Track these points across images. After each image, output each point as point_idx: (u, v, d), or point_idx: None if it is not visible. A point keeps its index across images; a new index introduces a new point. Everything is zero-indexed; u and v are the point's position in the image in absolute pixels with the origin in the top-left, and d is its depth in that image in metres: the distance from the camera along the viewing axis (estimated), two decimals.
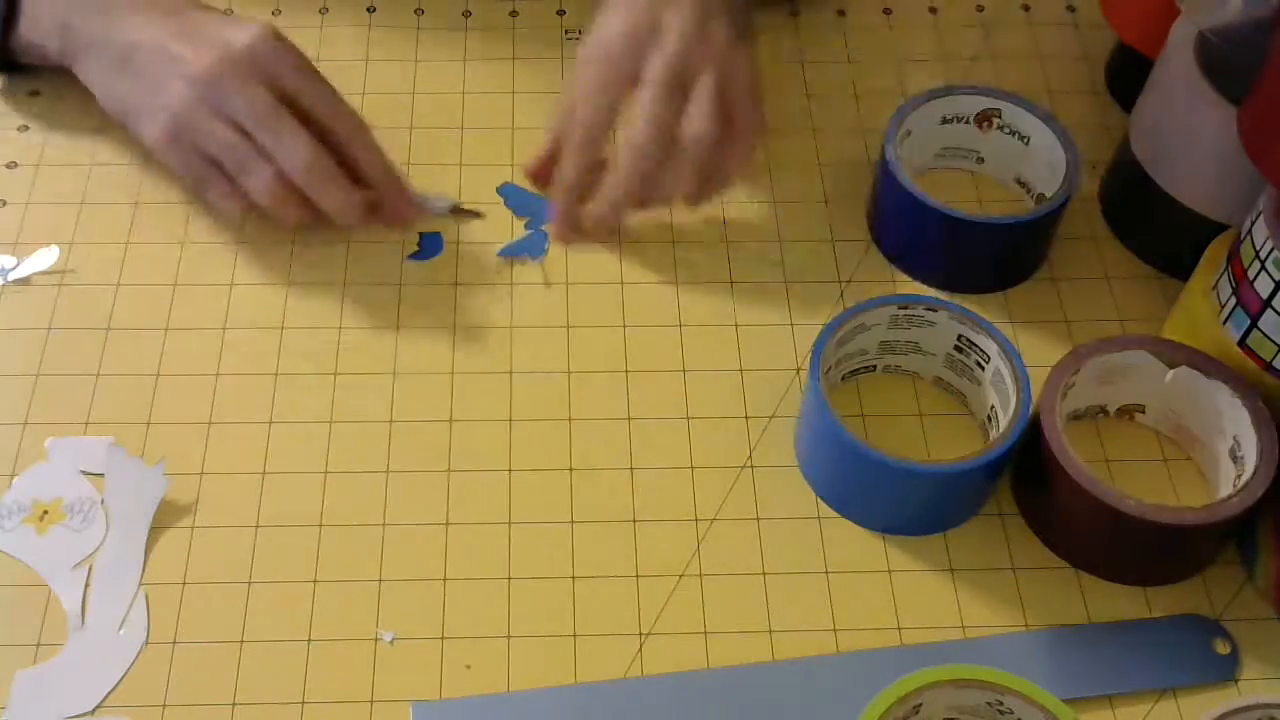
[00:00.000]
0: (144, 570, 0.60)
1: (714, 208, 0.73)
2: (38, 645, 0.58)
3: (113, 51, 0.67)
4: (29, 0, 0.69)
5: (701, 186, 0.65)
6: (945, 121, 0.72)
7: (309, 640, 0.58)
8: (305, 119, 0.65)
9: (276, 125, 0.64)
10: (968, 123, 0.72)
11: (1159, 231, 0.71)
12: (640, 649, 0.58)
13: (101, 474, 0.62)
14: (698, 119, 0.63)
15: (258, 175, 0.65)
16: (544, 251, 0.69)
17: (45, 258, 0.70)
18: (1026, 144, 0.71)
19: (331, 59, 0.79)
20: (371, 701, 0.57)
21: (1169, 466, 0.65)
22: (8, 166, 0.74)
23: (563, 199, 0.67)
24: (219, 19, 0.68)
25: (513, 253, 0.69)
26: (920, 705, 0.53)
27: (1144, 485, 0.64)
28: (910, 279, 0.71)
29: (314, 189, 0.65)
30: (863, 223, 0.73)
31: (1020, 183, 0.73)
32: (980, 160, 0.74)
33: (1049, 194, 0.68)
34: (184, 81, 0.64)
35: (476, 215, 0.64)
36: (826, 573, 0.61)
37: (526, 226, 0.69)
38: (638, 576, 0.60)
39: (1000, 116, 0.72)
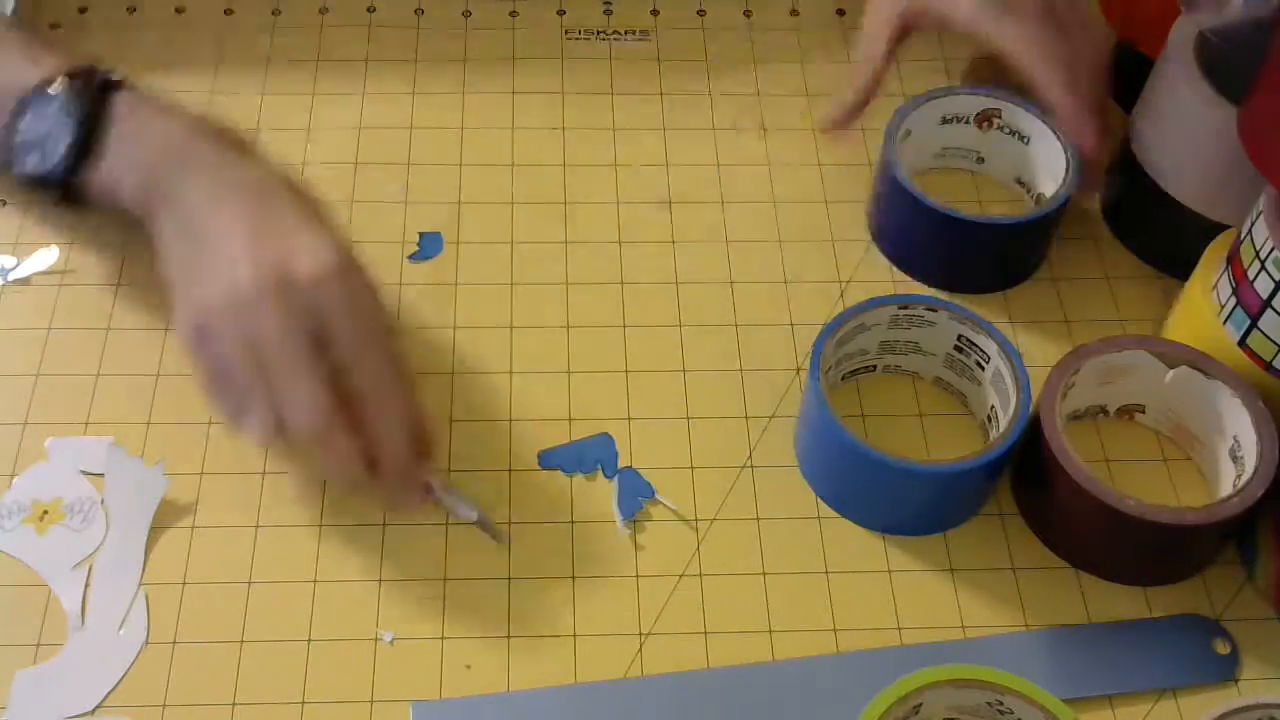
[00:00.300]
0: (144, 570, 0.60)
1: (714, 207, 0.74)
2: (38, 645, 0.58)
3: (184, 212, 0.58)
4: (114, 142, 0.60)
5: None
6: (945, 121, 0.72)
7: (309, 640, 0.58)
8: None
9: (291, 373, 0.55)
10: (968, 123, 0.72)
11: (1159, 231, 0.71)
12: (640, 649, 0.58)
13: (101, 474, 0.62)
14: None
15: (254, 418, 0.56)
16: None
17: (45, 258, 0.70)
18: (1027, 144, 0.71)
19: (331, 59, 0.79)
20: (371, 701, 0.57)
21: (1169, 466, 0.65)
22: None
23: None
24: (298, 219, 0.57)
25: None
26: (920, 705, 0.53)
27: (1144, 485, 0.64)
28: (910, 279, 0.71)
29: (308, 452, 0.56)
30: (863, 222, 0.73)
31: (1020, 183, 0.73)
32: (980, 160, 0.74)
33: (1049, 194, 0.68)
34: (226, 288, 0.55)
35: (500, 539, 0.62)
36: (826, 573, 0.61)
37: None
38: (638, 576, 0.60)
39: (1000, 117, 0.72)
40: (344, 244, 0.56)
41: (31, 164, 0.61)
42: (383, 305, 0.57)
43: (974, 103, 0.71)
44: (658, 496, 0.62)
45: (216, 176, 0.58)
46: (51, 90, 0.61)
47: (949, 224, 0.67)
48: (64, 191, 0.61)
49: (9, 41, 0.65)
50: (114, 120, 0.60)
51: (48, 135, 0.60)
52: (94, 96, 0.60)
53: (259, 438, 0.56)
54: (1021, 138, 0.71)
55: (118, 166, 0.60)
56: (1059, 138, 0.69)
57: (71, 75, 0.61)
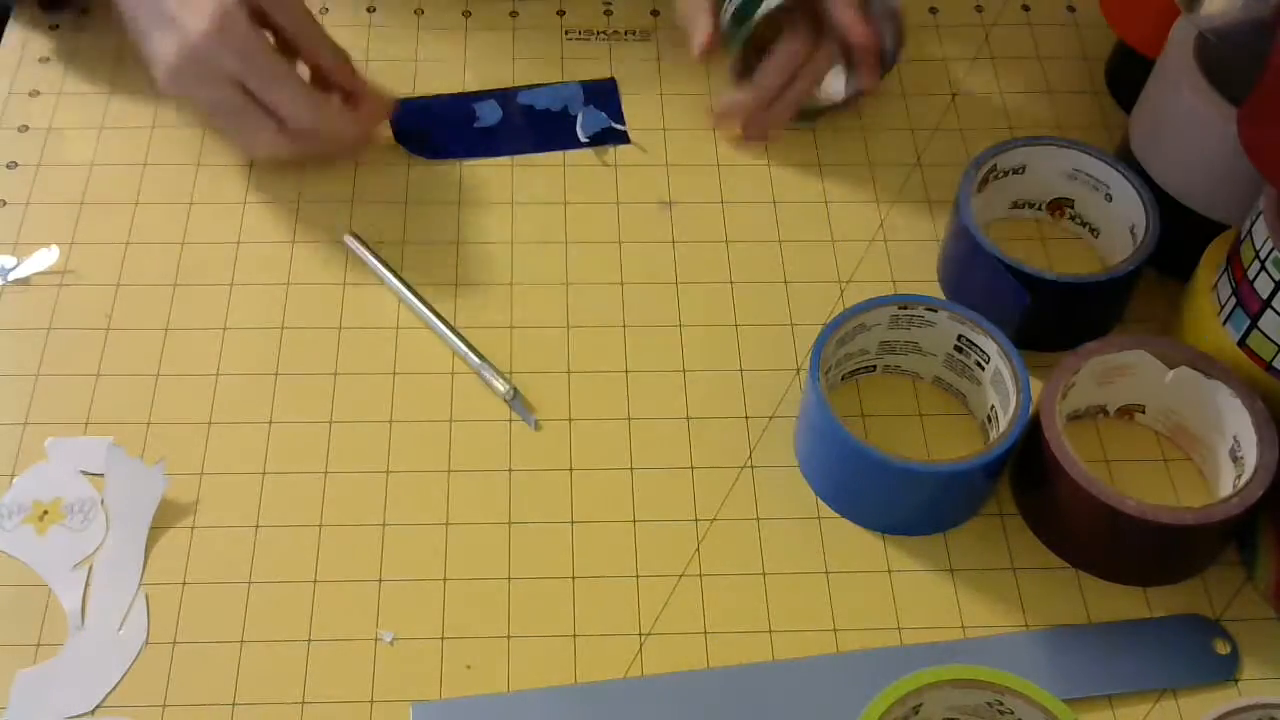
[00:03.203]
0: (144, 570, 0.60)
1: (713, 207, 0.74)
2: (38, 645, 0.58)
3: None
4: None
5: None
6: (1016, 206, 0.72)
7: (309, 640, 0.58)
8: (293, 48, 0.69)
9: (276, 81, 0.66)
10: (1039, 209, 0.72)
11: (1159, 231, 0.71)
12: (640, 649, 0.58)
13: (101, 474, 0.62)
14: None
15: (262, 132, 0.68)
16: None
17: (45, 258, 0.70)
18: (1096, 236, 0.71)
19: None
20: (371, 701, 0.57)
21: (1169, 466, 0.65)
22: (8, 166, 0.74)
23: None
24: None
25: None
26: (920, 705, 0.53)
27: (1144, 485, 0.64)
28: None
29: (315, 134, 0.69)
30: (862, 222, 0.73)
31: (1092, 229, 0.72)
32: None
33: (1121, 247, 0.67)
34: (181, 36, 0.64)
35: (530, 419, 0.64)
36: (826, 573, 0.61)
37: None
38: (638, 576, 0.60)
39: (1073, 206, 0.71)
40: None
41: None
42: None
43: (1046, 188, 0.71)
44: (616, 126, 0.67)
45: None
46: None
47: (1027, 282, 0.64)
48: None
49: None
50: None
51: None
52: None
53: (268, 149, 0.69)
54: (1092, 230, 0.71)
55: None
56: (1140, 195, 0.67)
57: None
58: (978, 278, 0.67)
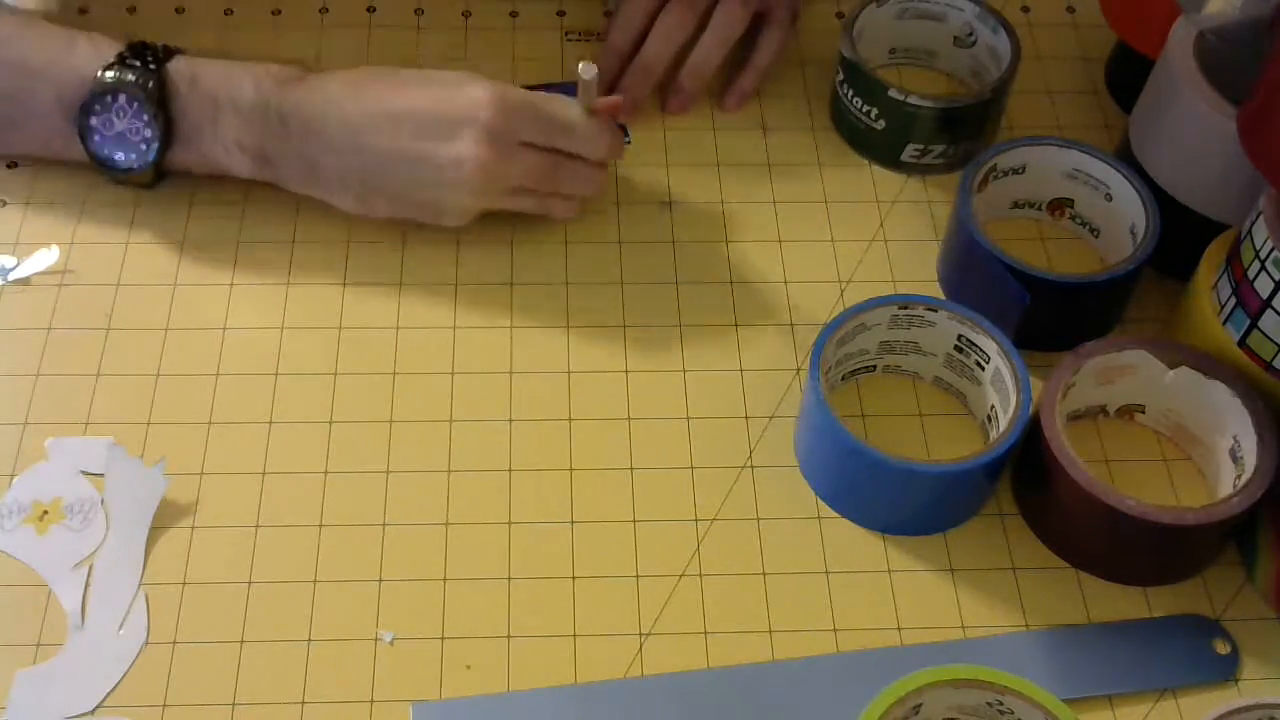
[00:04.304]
0: (144, 570, 0.60)
1: (713, 207, 0.74)
2: (38, 645, 0.58)
3: (332, 122, 0.65)
4: (195, 121, 0.67)
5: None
6: (1016, 206, 0.72)
7: (309, 640, 0.58)
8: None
9: (567, 172, 0.69)
10: (1039, 209, 0.72)
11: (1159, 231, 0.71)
12: (640, 649, 0.58)
13: (101, 474, 0.62)
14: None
15: (555, 208, 0.70)
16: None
17: (45, 258, 0.70)
18: (1096, 236, 0.71)
19: (332, 59, 0.79)
20: (371, 701, 0.57)
21: (1169, 466, 0.65)
22: (8, 166, 0.74)
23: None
24: (421, 75, 0.67)
25: None
26: (920, 705, 0.53)
27: (1144, 485, 0.64)
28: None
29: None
30: (862, 221, 0.73)
31: (1092, 229, 0.72)
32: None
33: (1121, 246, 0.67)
34: (478, 133, 0.64)
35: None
36: (826, 573, 0.61)
37: None
38: (638, 576, 0.60)
39: (1073, 206, 0.71)
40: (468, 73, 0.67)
41: (122, 161, 0.68)
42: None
43: (1046, 187, 0.71)
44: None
45: (321, 88, 0.66)
46: (108, 77, 0.65)
47: (1028, 283, 0.64)
48: (156, 175, 0.70)
49: (42, 27, 0.68)
50: (180, 97, 0.66)
51: (129, 129, 0.66)
52: (157, 79, 0.66)
53: (568, 212, 0.71)
54: (1092, 230, 0.71)
55: (212, 141, 0.67)
56: (1140, 195, 0.67)
57: (125, 58, 0.66)
58: (978, 278, 0.67)
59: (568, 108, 0.67)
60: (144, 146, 0.67)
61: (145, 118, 0.66)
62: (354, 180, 0.67)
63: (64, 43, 0.67)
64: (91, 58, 0.66)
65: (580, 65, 0.66)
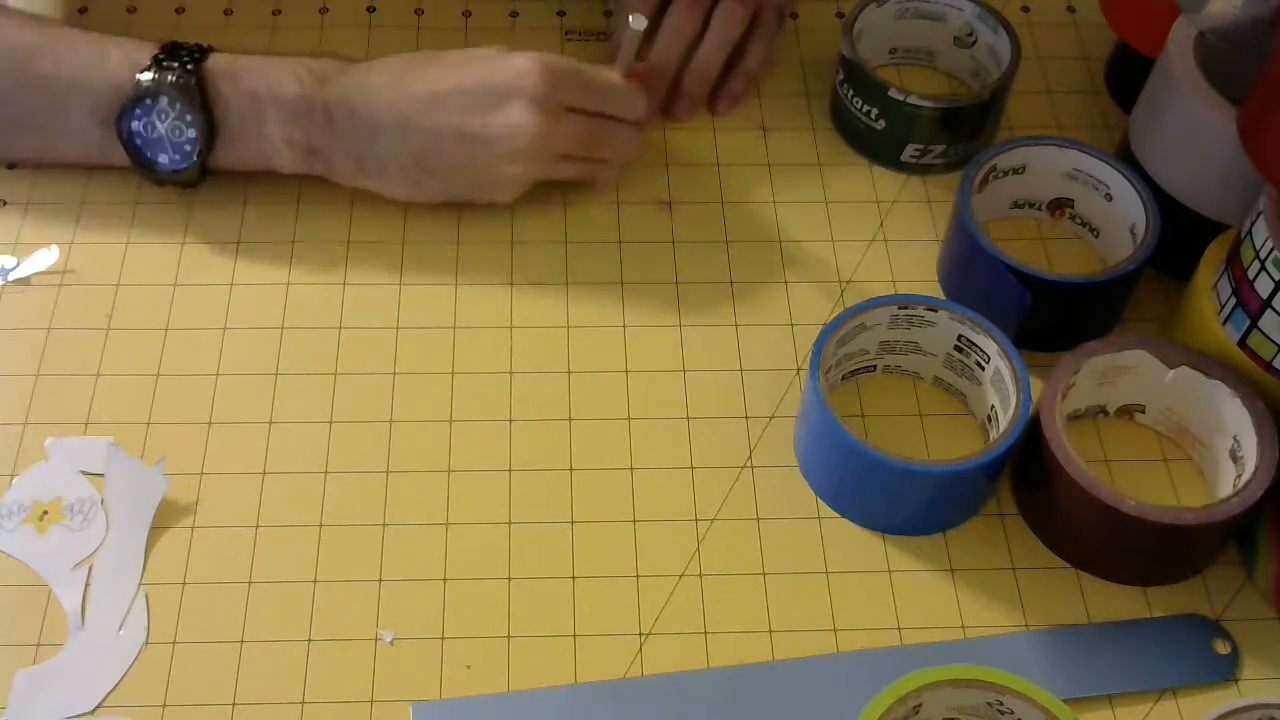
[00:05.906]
0: (144, 570, 0.60)
1: (713, 207, 0.74)
2: (38, 645, 0.58)
3: (390, 114, 0.66)
4: (237, 120, 0.67)
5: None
6: (1016, 206, 0.72)
7: (309, 640, 0.58)
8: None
9: (609, 133, 0.70)
10: (1039, 209, 0.72)
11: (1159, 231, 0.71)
12: (640, 649, 0.58)
13: (101, 474, 0.62)
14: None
15: (603, 171, 0.72)
16: None
17: (45, 258, 0.70)
18: (1096, 236, 0.71)
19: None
20: (371, 701, 0.57)
21: (1169, 466, 0.65)
22: (8, 167, 0.74)
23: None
24: (459, 54, 0.68)
25: None
26: (920, 705, 0.53)
27: (1144, 485, 0.64)
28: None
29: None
30: (862, 221, 0.73)
31: (1092, 229, 0.72)
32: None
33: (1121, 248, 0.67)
34: (527, 102, 0.65)
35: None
36: (826, 573, 0.61)
37: None
38: (638, 576, 0.60)
39: (1073, 206, 0.71)
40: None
41: (166, 163, 0.68)
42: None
43: (1046, 187, 0.71)
44: None
45: (363, 78, 0.67)
46: (146, 81, 0.65)
47: (1027, 283, 0.64)
48: (200, 174, 0.69)
49: (71, 37, 0.68)
50: (221, 96, 0.66)
51: (171, 131, 0.67)
52: (196, 79, 0.65)
53: (609, 179, 0.73)
54: (1092, 230, 0.71)
55: (258, 139, 0.67)
56: (1140, 196, 0.67)
57: (160, 60, 0.66)
58: (978, 278, 0.67)
59: (607, 71, 0.69)
60: (188, 147, 0.67)
61: (188, 118, 0.66)
62: (409, 164, 0.67)
63: (95, 51, 0.67)
64: (124, 64, 0.66)
65: (630, 17, 0.67)
